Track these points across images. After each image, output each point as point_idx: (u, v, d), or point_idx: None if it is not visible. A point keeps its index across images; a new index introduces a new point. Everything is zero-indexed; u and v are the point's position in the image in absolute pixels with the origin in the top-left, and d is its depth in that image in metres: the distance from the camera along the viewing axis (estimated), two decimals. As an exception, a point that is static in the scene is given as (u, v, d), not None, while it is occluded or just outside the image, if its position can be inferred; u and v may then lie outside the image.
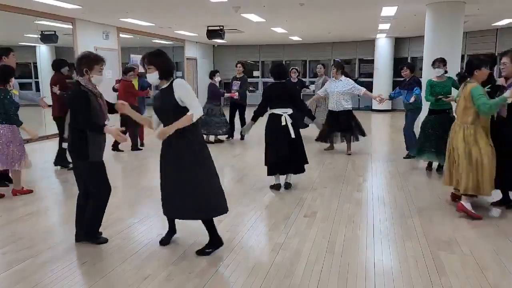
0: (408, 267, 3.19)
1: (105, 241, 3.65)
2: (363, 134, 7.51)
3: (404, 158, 7.03)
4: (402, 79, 7.07)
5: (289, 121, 4.99)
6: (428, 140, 5.89)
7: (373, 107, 15.28)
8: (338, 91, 7.23)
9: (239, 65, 9.03)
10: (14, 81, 5.13)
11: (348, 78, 7.38)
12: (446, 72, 5.93)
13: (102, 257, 3.37)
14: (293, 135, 4.97)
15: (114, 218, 4.29)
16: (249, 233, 3.90)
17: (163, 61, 3.34)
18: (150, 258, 3.34)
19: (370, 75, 16.09)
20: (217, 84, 8.63)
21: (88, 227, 3.61)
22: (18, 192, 5.07)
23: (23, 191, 5.11)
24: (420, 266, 3.20)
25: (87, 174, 3.50)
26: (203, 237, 3.72)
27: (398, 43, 15.73)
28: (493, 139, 4.22)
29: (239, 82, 8.84)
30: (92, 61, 3.45)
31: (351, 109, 7.42)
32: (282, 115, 4.99)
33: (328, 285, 2.92)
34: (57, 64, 6.24)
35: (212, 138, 8.69)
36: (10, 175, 5.25)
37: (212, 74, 8.60)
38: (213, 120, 8.39)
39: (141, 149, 7.91)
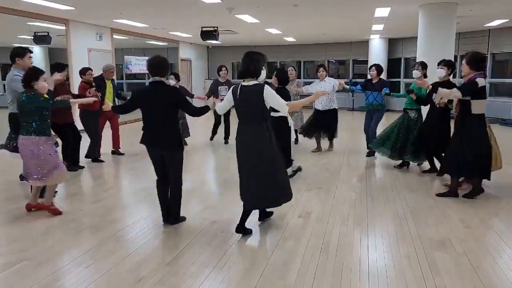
0: (402, 267, 3.21)
1: (184, 219, 4.12)
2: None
3: (366, 156, 7.38)
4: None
5: (292, 123, 5.53)
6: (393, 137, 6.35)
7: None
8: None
9: (223, 68, 8.57)
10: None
11: (331, 78, 7.74)
12: (425, 76, 6.00)
13: (96, 259, 3.36)
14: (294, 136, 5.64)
15: (109, 219, 4.28)
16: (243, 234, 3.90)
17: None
18: (144, 260, 3.32)
19: (364, 75, 16.14)
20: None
21: (177, 210, 4.04)
22: (45, 208, 4.41)
23: (51, 209, 4.40)
24: (414, 265, 3.22)
25: (179, 162, 3.88)
26: (198, 238, 3.72)
27: (392, 43, 15.81)
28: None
29: (227, 87, 8.23)
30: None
31: (337, 108, 7.71)
32: (287, 116, 5.26)
33: (323, 285, 2.93)
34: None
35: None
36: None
37: (176, 77, 7.92)
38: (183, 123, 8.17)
39: (123, 154, 7.52)
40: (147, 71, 3.98)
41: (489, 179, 4.80)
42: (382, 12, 9.48)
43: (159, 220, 4.17)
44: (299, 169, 5.97)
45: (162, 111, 3.75)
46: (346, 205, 4.70)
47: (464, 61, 4.71)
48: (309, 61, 17.53)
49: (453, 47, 8.48)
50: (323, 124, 7.64)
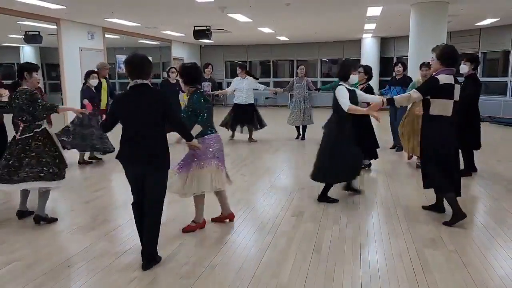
0: (394, 264, 3.23)
1: (160, 259, 3.30)
2: (262, 126, 8.85)
3: (391, 148, 7.78)
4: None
5: None
6: None
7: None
8: (246, 88, 8.69)
9: (209, 66, 8.80)
10: None
11: (251, 77, 8.88)
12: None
13: (88, 259, 3.34)
14: None
15: (100, 219, 4.26)
16: (236, 232, 3.90)
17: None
18: (136, 260, 3.31)
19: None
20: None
21: (154, 246, 3.24)
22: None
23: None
24: (406, 263, 3.24)
25: (162, 185, 3.21)
26: (191, 238, 3.72)
27: (384, 42, 15.89)
28: None
29: (210, 84, 8.59)
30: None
31: (253, 103, 8.88)
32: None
33: (315, 284, 2.94)
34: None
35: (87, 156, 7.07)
36: None
37: (87, 76, 6.69)
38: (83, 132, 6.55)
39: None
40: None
41: (458, 194, 4.08)
42: (374, 11, 9.53)
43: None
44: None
45: (146, 120, 3.08)
46: (338, 203, 4.71)
47: (434, 55, 4.05)
48: (301, 60, 17.55)
49: (445, 46, 8.54)
50: (241, 117, 8.74)
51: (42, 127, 4.11)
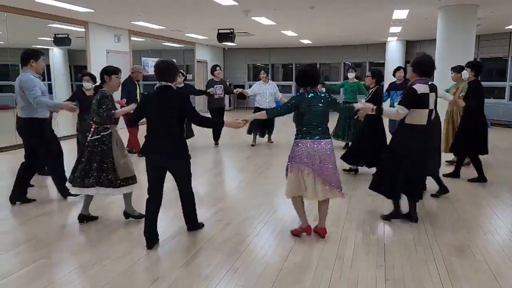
0: (419, 272, 3.15)
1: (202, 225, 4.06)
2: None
3: None
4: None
5: None
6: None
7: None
8: (270, 93, 8.71)
9: (218, 68, 8.84)
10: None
11: (273, 82, 9.09)
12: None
13: (113, 258, 3.38)
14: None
15: (125, 220, 4.30)
16: (258, 236, 3.88)
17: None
18: (159, 261, 3.34)
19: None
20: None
21: (196, 218, 3.96)
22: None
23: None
24: (432, 271, 3.16)
25: (187, 172, 3.73)
26: (212, 240, 3.72)
27: (410, 46, 15.62)
28: None
29: (222, 86, 8.70)
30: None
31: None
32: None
33: (338, 290, 2.90)
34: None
35: None
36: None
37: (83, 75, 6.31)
38: None
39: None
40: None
41: (416, 200, 4.23)
42: (400, 14, 9.38)
43: (174, 221, 4.20)
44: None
45: (167, 117, 3.51)
46: (362, 209, 4.64)
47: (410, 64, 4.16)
48: (324, 64, 17.43)
49: (473, 50, 8.34)
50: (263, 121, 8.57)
51: (109, 131, 4.04)
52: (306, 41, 15.27)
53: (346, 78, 8.61)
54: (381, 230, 4.02)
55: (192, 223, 3.96)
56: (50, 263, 3.32)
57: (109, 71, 4.12)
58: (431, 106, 4.01)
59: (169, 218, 4.27)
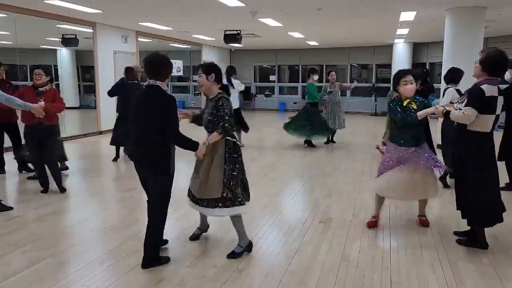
0: (425, 275, 3.13)
1: (167, 260, 3.31)
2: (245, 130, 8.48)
3: None
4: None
5: None
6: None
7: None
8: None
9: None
10: None
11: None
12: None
13: (119, 258, 3.40)
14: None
15: (131, 219, 4.33)
16: (263, 237, 3.89)
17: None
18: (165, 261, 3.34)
19: (388, 80, 15.94)
20: None
21: (154, 247, 3.27)
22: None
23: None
24: (438, 274, 3.14)
25: (161, 189, 3.15)
26: (218, 241, 3.72)
27: (417, 48, 15.56)
28: None
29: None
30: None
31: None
32: None
33: (343, 293, 2.89)
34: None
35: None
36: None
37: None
38: None
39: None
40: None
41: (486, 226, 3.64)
42: (407, 16, 9.34)
43: (180, 220, 4.21)
44: None
45: (148, 121, 3.03)
46: (368, 211, 4.63)
47: (478, 59, 3.47)
48: (331, 65, 17.41)
49: (481, 53, 8.27)
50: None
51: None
52: (313, 43, 15.26)
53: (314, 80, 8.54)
54: (387, 233, 4.00)
55: (148, 254, 3.20)
56: (56, 262, 3.34)
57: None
58: (498, 111, 3.39)
59: (175, 219, 4.28)
